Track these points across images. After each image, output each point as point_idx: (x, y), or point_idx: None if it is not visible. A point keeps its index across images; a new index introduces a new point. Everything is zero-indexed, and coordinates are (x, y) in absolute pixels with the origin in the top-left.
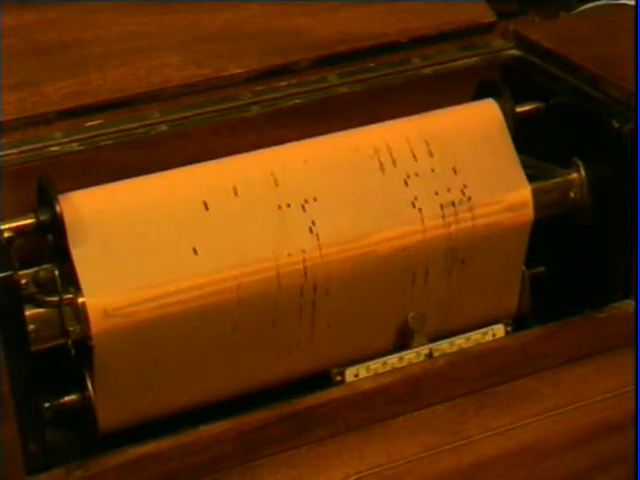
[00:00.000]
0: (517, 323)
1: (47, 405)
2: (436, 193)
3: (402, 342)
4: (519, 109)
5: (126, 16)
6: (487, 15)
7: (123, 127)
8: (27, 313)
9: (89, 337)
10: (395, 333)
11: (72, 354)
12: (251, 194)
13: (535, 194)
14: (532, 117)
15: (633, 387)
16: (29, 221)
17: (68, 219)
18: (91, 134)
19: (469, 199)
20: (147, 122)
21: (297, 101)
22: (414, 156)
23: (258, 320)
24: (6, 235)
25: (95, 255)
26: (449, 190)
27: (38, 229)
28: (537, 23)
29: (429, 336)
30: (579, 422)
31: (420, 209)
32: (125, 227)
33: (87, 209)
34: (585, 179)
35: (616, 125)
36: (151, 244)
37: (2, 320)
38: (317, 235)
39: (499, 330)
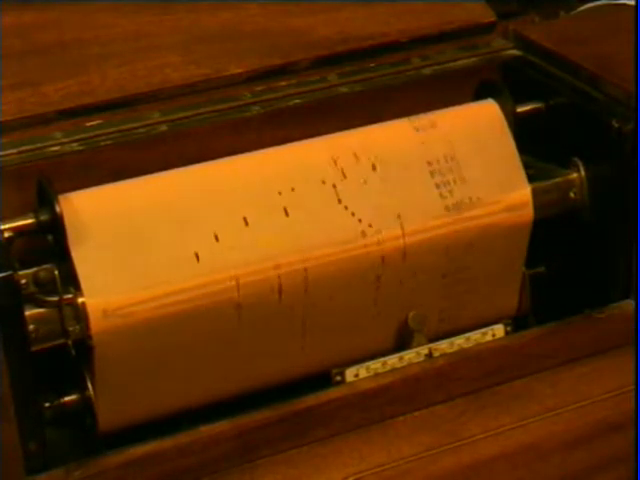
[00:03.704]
0: (517, 323)
1: (47, 405)
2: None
3: (402, 342)
4: (519, 109)
5: (126, 16)
6: (487, 15)
7: (123, 127)
8: (27, 313)
9: (89, 337)
10: (395, 333)
11: (72, 354)
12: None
13: (535, 194)
14: (532, 117)
15: (633, 387)
16: (29, 221)
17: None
18: (91, 134)
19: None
20: (147, 122)
21: (297, 101)
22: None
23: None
24: (6, 235)
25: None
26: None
27: (38, 229)
28: (537, 23)
29: (429, 336)
30: (579, 422)
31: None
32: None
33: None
34: (585, 179)
35: (616, 125)
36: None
37: (2, 320)
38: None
39: (499, 330)
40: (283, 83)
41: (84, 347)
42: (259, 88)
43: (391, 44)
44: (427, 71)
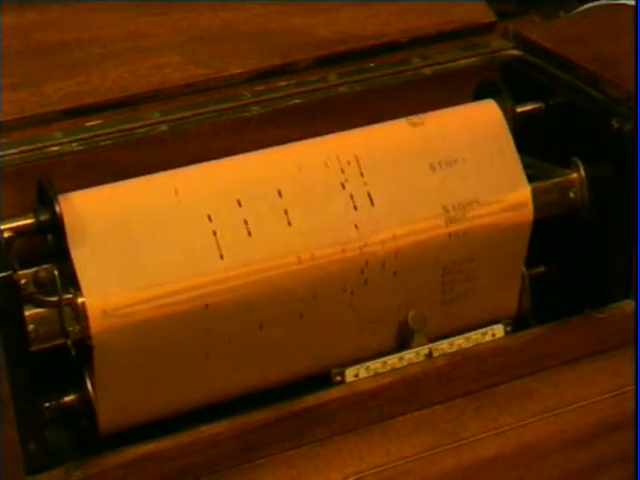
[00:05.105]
0: (517, 323)
1: (47, 405)
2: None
3: (402, 342)
4: (519, 109)
5: (126, 16)
6: (487, 15)
7: (123, 127)
8: (27, 313)
9: (89, 337)
10: (395, 333)
11: (72, 354)
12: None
13: (535, 194)
14: (532, 117)
15: (633, 387)
16: (29, 221)
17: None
18: (91, 134)
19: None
20: (147, 122)
21: (297, 101)
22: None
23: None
24: (6, 235)
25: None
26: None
27: (38, 229)
28: (537, 23)
29: (429, 336)
30: (579, 422)
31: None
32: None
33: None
34: (585, 179)
35: (616, 125)
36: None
37: (2, 320)
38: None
39: (499, 330)
40: (283, 83)
41: (84, 347)
42: (259, 88)
43: (391, 44)
44: (427, 71)
